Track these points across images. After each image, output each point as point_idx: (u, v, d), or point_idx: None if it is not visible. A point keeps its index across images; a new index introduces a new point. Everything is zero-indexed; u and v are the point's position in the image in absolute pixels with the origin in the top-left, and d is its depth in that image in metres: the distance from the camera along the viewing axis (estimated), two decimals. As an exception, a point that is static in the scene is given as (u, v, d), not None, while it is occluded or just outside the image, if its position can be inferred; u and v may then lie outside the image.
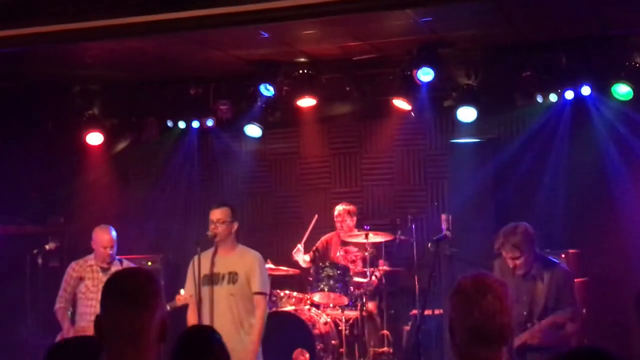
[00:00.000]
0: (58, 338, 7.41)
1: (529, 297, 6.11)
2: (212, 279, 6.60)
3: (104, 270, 7.55)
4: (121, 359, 2.71)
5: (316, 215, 9.59)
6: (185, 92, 9.98)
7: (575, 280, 8.43)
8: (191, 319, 6.58)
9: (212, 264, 6.62)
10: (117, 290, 2.77)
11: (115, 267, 7.52)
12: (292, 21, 7.62)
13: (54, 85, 9.89)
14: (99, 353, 3.71)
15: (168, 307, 6.68)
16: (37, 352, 3.86)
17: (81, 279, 7.60)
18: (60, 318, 7.56)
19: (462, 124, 9.26)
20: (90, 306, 7.49)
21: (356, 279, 8.95)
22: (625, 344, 8.17)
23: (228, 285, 6.57)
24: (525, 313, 6.09)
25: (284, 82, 9.56)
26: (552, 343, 5.90)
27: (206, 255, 6.66)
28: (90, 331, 7.11)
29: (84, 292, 7.57)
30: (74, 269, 7.67)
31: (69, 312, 7.64)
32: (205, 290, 6.57)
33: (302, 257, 9.34)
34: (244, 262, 6.64)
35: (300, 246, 9.35)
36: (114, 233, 7.62)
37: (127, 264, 7.69)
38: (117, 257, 7.67)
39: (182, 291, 6.93)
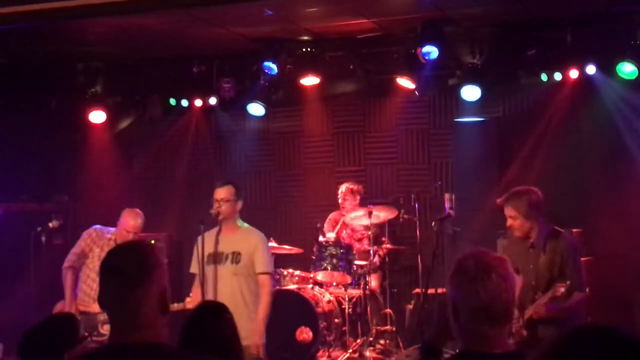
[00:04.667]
0: (58, 306, 7.38)
1: (535, 266, 6.08)
2: (215, 258, 6.60)
3: None
4: (124, 333, 2.73)
5: (318, 224, 9.42)
6: (189, 70, 9.96)
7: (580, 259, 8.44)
8: (195, 298, 6.58)
9: (216, 242, 6.62)
10: (110, 268, 2.81)
11: None
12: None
13: (57, 62, 9.86)
14: (74, 331, 3.74)
15: (176, 306, 6.68)
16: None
17: (95, 247, 7.46)
18: (64, 280, 7.40)
19: (466, 102, 9.25)
20: (94, 280, 7.40)
21: (358, 262, 8.94)
22: (629, 322, 8.17)
23: (232, 265, 6.57)
24: (533, 283, 6.06)
25: (287, 60, 9.52)
26: (559, 314, 5.87)
27: (210, 234, 6.66)
28: (87, 307, 7.17)
29: (95, 262, 7.39)
30: (92, 234, 7.51)
31: (73, 275, 7.53)
32: (209, 269, 6.58)
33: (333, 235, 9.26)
34: (248, 243, 6.63)
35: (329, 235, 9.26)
36: (141, 219, 7.48)
37: None
38: None
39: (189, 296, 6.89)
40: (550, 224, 6.21)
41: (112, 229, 7.57)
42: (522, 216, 6.01)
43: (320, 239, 9.11)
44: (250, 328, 6.37)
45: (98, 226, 7.64)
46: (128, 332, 2.72)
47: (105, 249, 7.40)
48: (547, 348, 1.91)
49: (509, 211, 6.05)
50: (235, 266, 6.56)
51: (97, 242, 7.48)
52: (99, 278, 2.84)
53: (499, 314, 2.88)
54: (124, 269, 2.75)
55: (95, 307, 7.07)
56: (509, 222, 6.09)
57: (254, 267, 6.60)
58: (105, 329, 6.28)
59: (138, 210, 7.57)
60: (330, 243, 8.94)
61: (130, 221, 7.44)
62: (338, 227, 9.42)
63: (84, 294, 7.46)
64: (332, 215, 9.60)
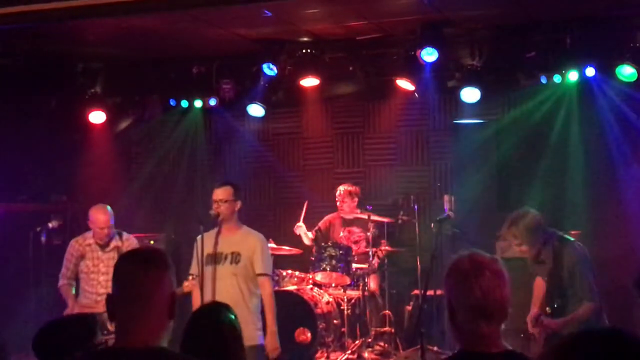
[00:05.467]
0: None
1: (548, 279, 6.17)
2: (215, 259, 6.60)
3: (103, 247, 7.54)
4: (129, 323, 2.75)
5: (306, 201, 9.61)
6: (188, 71, 9.97)
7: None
8: (194, 299, 6.59)
9: (216, 243, 6.62)
10: (129, 255, 2.98)
11: (115, 242, 7.54)
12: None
13: (57, 63, 9.86)
14: (92, 331, 3.75)
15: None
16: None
17: (81, 257, 7.58)
18: (64, 295, 7.56)
19: (466, 104, 9.25)
20: (92, 285, 7.50)
21: (356, 265, 8.97)
22: (626, 325, 8.18)
23: (231, 266, 6.57)
24: (549, 294, 6.15)
25: (287, 62, 9.52)
26: (560, 327, 5.99)
27: (210, 235, 6.66)
28: (91, 309, 7.18)
29: (85, 271, 7.55)
30: (74, 247, 7.65)
31: (72, 289, 7.64)
32: (208, 269, 6.57)
33: (304, 231, 9.37)
34: (247, 244, 6.63)
35: (300, 223, 9.40)
36: (109, 212, 7.52)
37: (126, 236, 7.69)
38: (115, 230, 7.66)
39: (190, 277, 6.93)
40: (558, 232, 6.29)
41: (87, 234, 7.65)
42: (525, 242, 6.15)
43: (302, 231, 9.31)
44: (250, 329, 6.38)
45: (74, 239, 7.73)
46: (133, 336, 2.73)
47: (89, 254, 7.56)
48: (551, 351, 1.92)
49: (512, 240, 6.23)
50: (235, 266, 6.56)
51: (81, 251, 7.61)
52: (114, 272, 2.90)
53: (493, 311, 2.93)
54: (142, 253, 2.94)
55: (99, 307, 7.09)
56: (516, 248, 6.26)
57: (253, 268, 6.61)
58: (114, 326, 6.28)
59: (102, 204, 7.60)
60: (330, 244, 8.96)
61: (100, 216, 7.50)
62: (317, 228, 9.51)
63: (85, 298, 7.51)
64: (329, 217, 9.61)
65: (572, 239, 6.38)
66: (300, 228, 9.41)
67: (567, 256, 6.11)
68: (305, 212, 9.51)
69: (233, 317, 3.89)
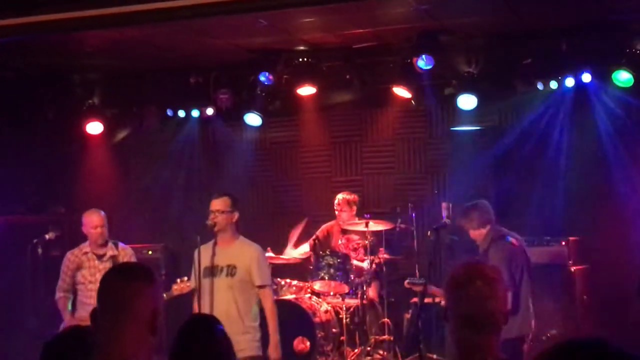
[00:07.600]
0: (61, 329, 7.42)
1: None
2: (212, 271, 6.60)
3: (100, 257, 7.56)
4: (109, 335, 2.75)
5: (306, 218, 9.61)
6: (186, 81, 9.97)
7: (576, 267, 8.48)
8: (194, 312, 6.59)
9: (213, 255, 6.61)
10: (114, 268, 3.09)
11: (111, 251, 7.55)
12: (292, 9, 7.63)
13: (54, 74, 9.88)
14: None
15: (165, 296, 6.70)
16: (38, 341, 3.87)
17: (78, 268, 7.59)
18: (61, 308, 7.56)
19: (463, 111, 9.26)
20: (90, 297, 7.47)
21: (356, 263, 8.98)
22: (625, 331, 8.17)
23: (227, 278, 6.57)
24: None
25: (284, 71, 9.53)
26: None
27: (207, 247, 6.65)
28: (88, 321, 7.17)
29: (83, 281, 7.56)
30: (69, 259, 7.67)
31: (70, 302, 7.64)
32: (205, 282, 6.57)
33: (294, 254, 9.36)
34: (244, 256, 6.62)
35: (287, 249, 9.38)
36: (102, 213, 7.66)
37: (122, 246, 7.72)
38: (111, 240, 7.68)
39: (178, 280, 6.95)
40: (502, 230, 6.72)
41: (83, 245, 7.70)
42: (471, 228, 6.75)
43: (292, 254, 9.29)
44: (245, 340, 6.39)
45: (70, 251, 7.80)
46: (112, 348, 2.73)
47: (85, 264, 7.58)
48: None
49: (468, 225, 6.82)
50: (231, 279, 6.56)
51: (78, 262, 7.66)
52: (99, 285, 2.89)
53: (482, 321, 2.88)
54: (127, 267, 3.05)
55: None
56: (471, 232, 6.82)
57: (251, 280, 6.60)
58: None
59: (94, 208, 7.72)
60: (328, 253, 8.95)
61: (94, 217, 7.58)
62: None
63: (83, 310, 7.49)
64: (327, 226, 9.60)
65: (509, 238, 6.67)
66: (289, 253, 9.38)
67: (492, 254, 6.46)
68: (302, 231, 9.48)
69: (222, 328, 3.87)
